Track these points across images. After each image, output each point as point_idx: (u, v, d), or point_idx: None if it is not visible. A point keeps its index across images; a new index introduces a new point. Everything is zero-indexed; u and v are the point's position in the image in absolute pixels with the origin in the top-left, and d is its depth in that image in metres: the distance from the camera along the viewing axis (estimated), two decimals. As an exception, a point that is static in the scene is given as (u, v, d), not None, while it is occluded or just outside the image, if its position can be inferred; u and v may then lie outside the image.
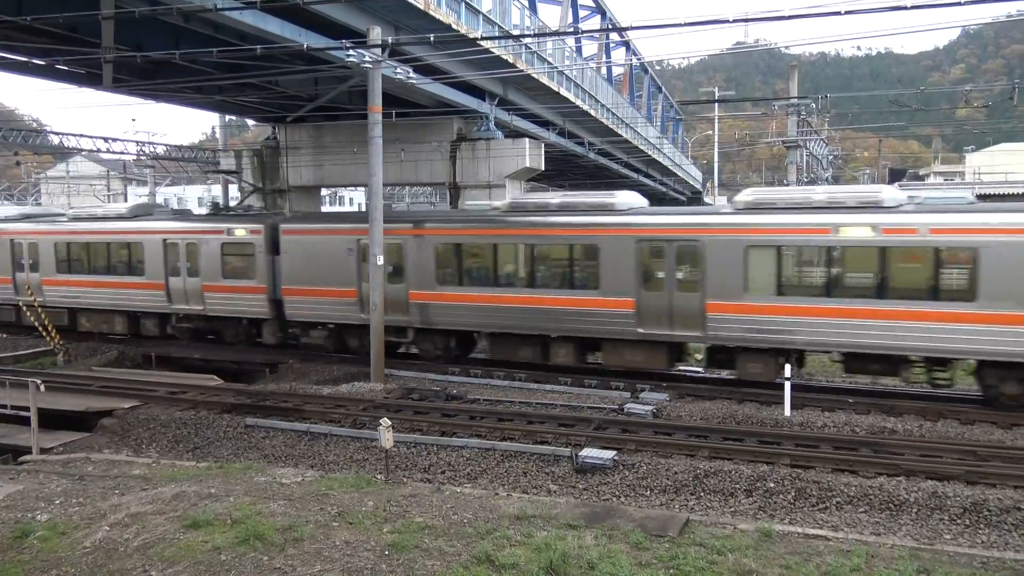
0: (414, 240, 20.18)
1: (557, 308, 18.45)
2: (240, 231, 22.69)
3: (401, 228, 20.37)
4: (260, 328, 23.04)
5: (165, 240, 23.60)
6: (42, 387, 15.05)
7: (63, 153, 56.69)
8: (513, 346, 19.32)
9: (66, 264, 25.73)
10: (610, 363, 18.53)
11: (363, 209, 62.77)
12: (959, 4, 11.47)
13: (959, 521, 10.55)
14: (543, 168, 28.49)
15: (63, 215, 28.65)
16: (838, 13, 11.82)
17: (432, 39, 17.60)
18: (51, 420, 15.79)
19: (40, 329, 25.01)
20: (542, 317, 18.59)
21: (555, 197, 20.94)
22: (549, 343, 18.94)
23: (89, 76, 21.10)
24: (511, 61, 23.12)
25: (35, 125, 69.12)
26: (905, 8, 11.73)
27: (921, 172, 76.42)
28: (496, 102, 26.16)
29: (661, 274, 17.52)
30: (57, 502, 10.83)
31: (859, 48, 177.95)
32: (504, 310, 19.01)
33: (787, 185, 38.91)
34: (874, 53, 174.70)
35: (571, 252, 18.66)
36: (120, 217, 25.37)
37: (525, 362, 19.35)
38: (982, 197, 22.32)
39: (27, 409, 14.92)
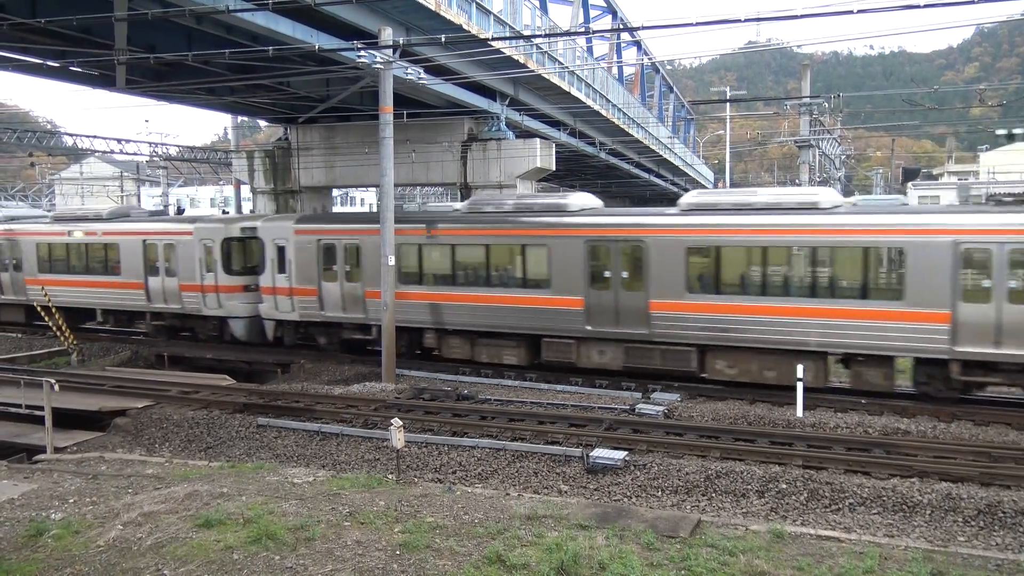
0: None
1: None
2: None
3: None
4: None
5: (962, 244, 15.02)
6: (56, 387, 15.15)
7: (77, 154, 57.18)
8: None
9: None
10: None
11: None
12: (973, 3, 11.37)
13: (973, 523, 10.46)
14: (554, 168, 28.47)
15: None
16: (851, 12, 11.76)
17: (443, 39, 17.61)
18: (65, 419, 15.90)
19: (55, 329, 25.18)
20: None
21: None
22: None
23: (102, 77, 21.24)
24: (522, 61, 23.12)
25: (49, 126, 69.83)
26: (918, 7, 11.64)
27: (935, 171, 75.97)
28: (507, 102, 26.18)
29: None
30: (71, 501, 10.91)
31: (872, 47, 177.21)
32: None
33: (799, 185, 38.72)
34: (887, 52, 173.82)
35: None
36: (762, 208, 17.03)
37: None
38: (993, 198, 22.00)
39: (42, 408, 15.04)
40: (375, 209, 39.14)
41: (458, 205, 21.21)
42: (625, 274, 17.88)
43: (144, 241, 24.51)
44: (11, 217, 29.28)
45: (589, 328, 18.23)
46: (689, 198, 18.29)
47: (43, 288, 26.51)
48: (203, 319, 23.87)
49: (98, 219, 26.46)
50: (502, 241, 19.35)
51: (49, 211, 31.90)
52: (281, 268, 21.82)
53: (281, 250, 21.83)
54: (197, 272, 23.33)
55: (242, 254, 23.43)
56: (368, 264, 20.46)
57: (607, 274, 18.06)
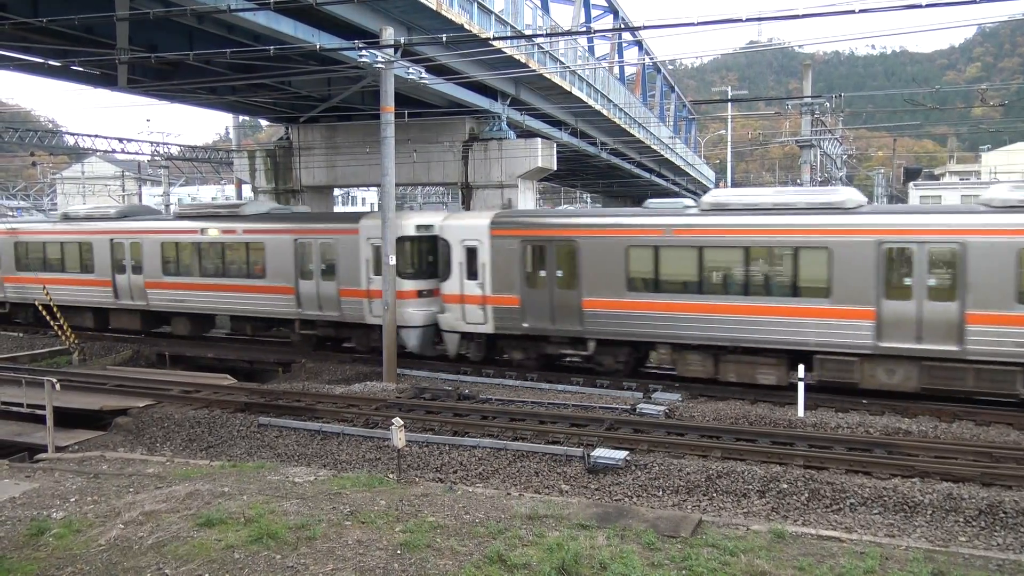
0: None
1: None
2: None
3: None
4: None
5: None
6: (58, 386, 15.17)
7: (78, 154, 57.22)
8: None
9: None
10: None
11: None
12: (975, 2, 11.36)
13: (974, 523, 10.46)
14: (555, 168, 28.48)
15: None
16: (852, 12, 11.75)
17: (444, 39, 17.61)
18: (66, 418, 15.94)
19: (55, 328, 25.19)
20: None
21: None
22: None
23: (104, 77, 21.25)
24: (523, 61, 23.11)
25: (51, 126, 69.75)
26: (920, 6, 11.63)
27: (936, 172, 75.95)
28: (508, 102, 26.16)
29: None
30: (72, 500, 10.92)
31: (873, 47, 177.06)
32: None
33: (800, 185, 38.71)
34: (889, 52, 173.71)
35: None
36: None
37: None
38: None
39: (43, 407, 15.06)
40: (376, 208, 39.12)
41: (688, 202, 19.14)
42: (932, 281, 15.46)
43: (296, 240, 21.91)
44: (124, 214, 26.58)
45: (882, 344, 15.82)
46: (1003, 193, 15.78)
47: (44, 287, 26.45)
48: (366, 328, 21.21)
49: (234, 216, 23.68)
50: (766, 242, 16.80)
51: (167, 206, 28.99)
52: (471, 273, 19.26)
53: (472, 252, 19.24)
54: (362, 275, 20.75)
55: (415, 255, 20.76)
56: (588, 268, 18.20)
57: (907, 281, 15.63)
